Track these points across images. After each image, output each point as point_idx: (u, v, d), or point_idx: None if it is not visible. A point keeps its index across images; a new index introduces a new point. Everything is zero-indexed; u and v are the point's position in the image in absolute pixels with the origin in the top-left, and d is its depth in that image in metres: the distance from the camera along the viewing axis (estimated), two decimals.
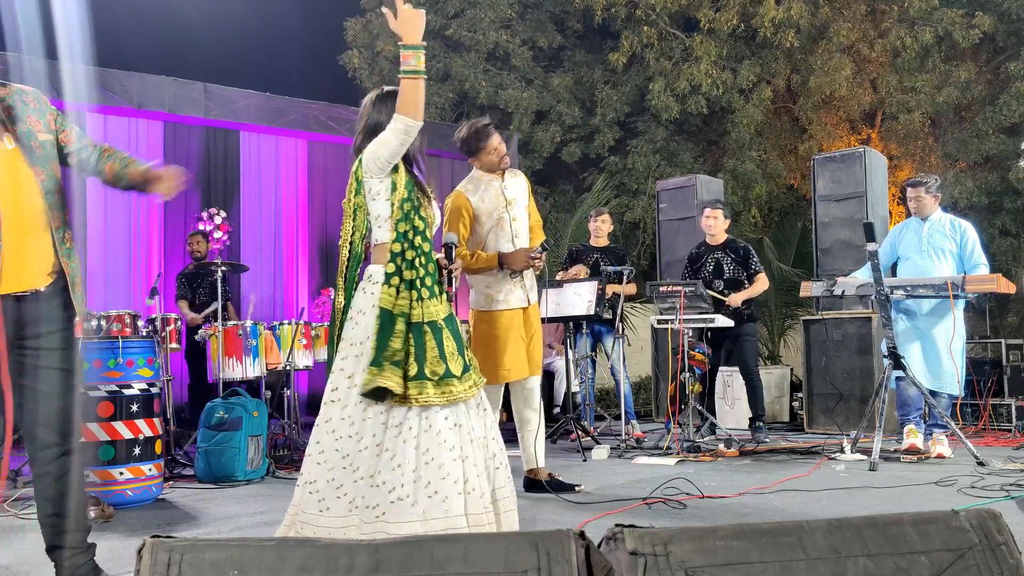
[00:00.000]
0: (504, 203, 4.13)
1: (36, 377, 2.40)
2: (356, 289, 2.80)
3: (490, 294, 4.11)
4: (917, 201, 5.36)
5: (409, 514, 2.51)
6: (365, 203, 2.80)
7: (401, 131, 2.63)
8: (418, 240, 2.73)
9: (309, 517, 2.63)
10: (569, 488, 4.16)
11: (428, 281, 2.72)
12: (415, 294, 2.68)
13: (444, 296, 2.81)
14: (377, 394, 2.56)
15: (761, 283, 6.10)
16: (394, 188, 2.74)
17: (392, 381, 2.55)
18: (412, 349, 2.63)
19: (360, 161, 2.79)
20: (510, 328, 4.08)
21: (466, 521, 2.56)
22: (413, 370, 2.61)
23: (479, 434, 2.72)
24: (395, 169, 2.75)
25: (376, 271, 2.76)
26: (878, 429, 4.93)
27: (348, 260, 2.83)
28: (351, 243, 2.83)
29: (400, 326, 2.62)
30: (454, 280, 2.90)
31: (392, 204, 2.74)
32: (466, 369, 2.73)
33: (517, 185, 4.22)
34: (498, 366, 4.03)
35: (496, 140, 4.09)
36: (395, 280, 2.66)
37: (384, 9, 2.86)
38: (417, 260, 2.71)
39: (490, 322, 4.09)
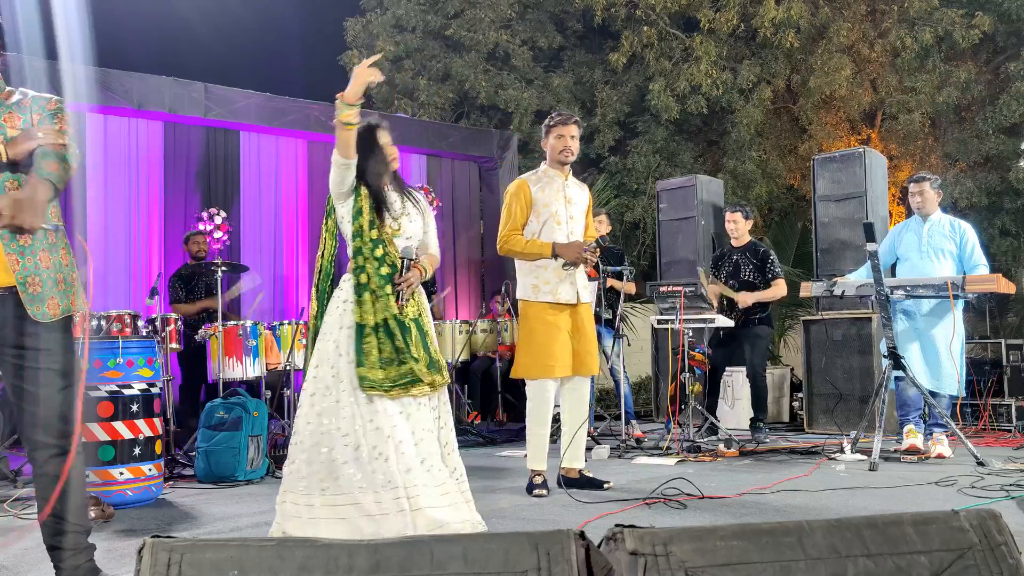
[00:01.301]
0: (564, 199, 4.22)
1: (30, 379, 2.39)
2: (330, 297, 3.23)
3: (536, 284, 4.14)
4: (921, 196, 5.35)
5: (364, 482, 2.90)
6: (335, 227, 3.29)
7: (336, 165, 3.20)
8: (379, 251, 3.14)
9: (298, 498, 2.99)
10: (599, 485, 4.24)
11: (387, 289, 3.12)
12: (373, 297, 3.10)
13: (393, 298, 3.15)
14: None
15: (778, 288, 6.07)
16: (359, 211, 3.19)
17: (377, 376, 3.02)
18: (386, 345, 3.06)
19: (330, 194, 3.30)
20: (555, 323, 4.09)
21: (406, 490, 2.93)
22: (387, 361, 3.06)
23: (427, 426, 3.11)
24: (359, 194, 3.15)
25: (344, 280, 3.18)
26: (878, 429, 4.93)
27: (319, 273, 3.31)
28: (322, 260, 3.32)
29: (369, 332, 3.05)
30: (402, 294, 3.15)
31: (353, 223, 3.19)
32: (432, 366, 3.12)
33: (579, 191, 4.37)
34: (539, 359, 4.06)
35: (570, 131, 4.22)
36: (361, 293, 3.10)
37: (354, 67, 3.39)
38: (373, 267, 3.12)
39: (534, 314, 4.12)
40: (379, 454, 2.93)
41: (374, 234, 3.17)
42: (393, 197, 3.35)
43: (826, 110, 11.99)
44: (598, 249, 4.15)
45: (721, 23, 11.61)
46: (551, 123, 4.29)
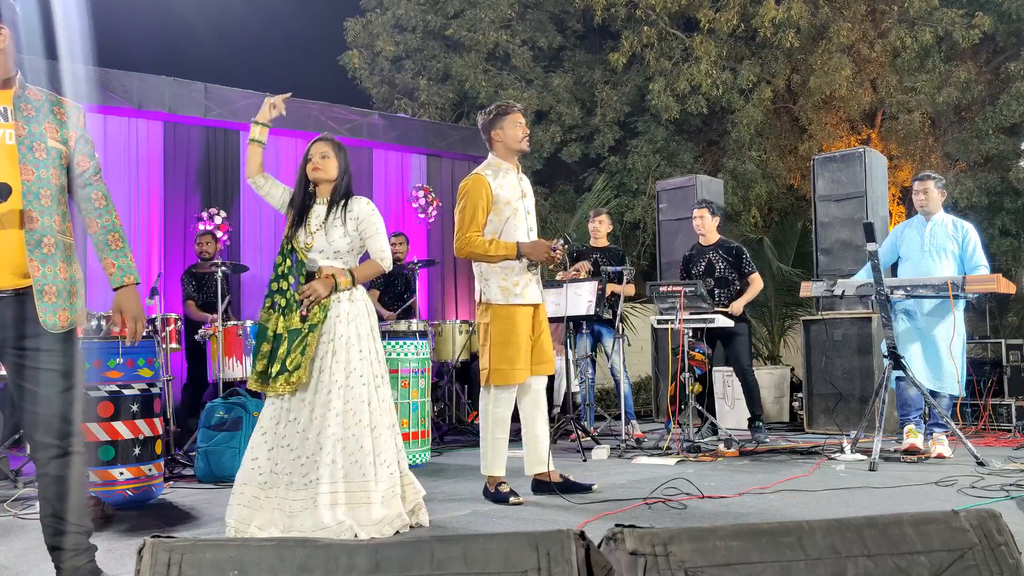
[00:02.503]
0: (520, 194, 4.08)
1: (33, 379, 2.39)
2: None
3: (506, 287, 3.96)
4: (925, 194, 5.35)
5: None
6: None
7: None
8: (286, 265, 3.47)
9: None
10: (585, 489, 4.10)
11: (281, 301, 3.42)
12: (280, 309, 3.41)
13: (296, 313, 3.40)
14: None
15: (756, 284, 6.11)
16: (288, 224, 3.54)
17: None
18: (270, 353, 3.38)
19: None
20: (525, 324, 3.97)
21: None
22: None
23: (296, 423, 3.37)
24: (288, 209, 3.61)
25: None
26: (878, 429, 4.93)
27: None
28: None
29: (265, 336, 3.40)
30: (303, 304, 3.40)
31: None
32: (282, 371, 3.33)
33: (528, 184, 4.24)
34: (514, 363, 3.91)
35: (522, 118, 4.11)
36: (267, 301, 3.47)
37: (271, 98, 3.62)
38: (281, 282, 3.46)
39: (507, 317, 3.93)
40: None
41: (287, 247, 3.51)
42: (319, 211, 3.55)
43: (826, 110, 11.99)
44: (567, 245, 4.07)
45: (721, 23, 11.61)
46: (505, 111, 4.06)
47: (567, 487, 4.09)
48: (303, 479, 3.26)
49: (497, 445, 3.98)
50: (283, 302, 3.41)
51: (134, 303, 2.54)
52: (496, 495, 3.96)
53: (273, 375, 3.31)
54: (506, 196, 3.98)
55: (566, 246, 4.05)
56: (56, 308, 2.41)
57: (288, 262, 3.48)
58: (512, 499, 3.92)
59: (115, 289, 2.54)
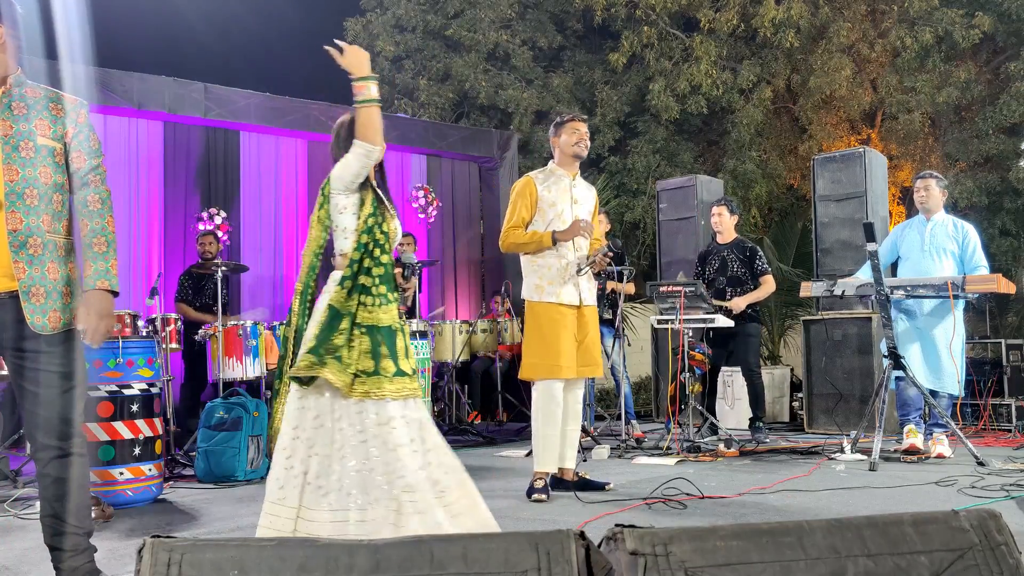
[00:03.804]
0: (570, 199, 4.20)
1: (32, 380, 2.38)
2: (318, 294, 3.05)
3: (539, 284, 4.09)
4: (926, 191, 5.36)
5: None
6: (327, 217, 3.06)
7: (363, 155, 2.96)
8: (377, 251, 3.00)
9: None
10: (599, 487, 4.17)
11: (383, 289, 2.99)
12: (367, 299, 2.95)
13: (394, 306, 3.04)
14: (309, 380, 2.85)
15: (767, 285, 6.08)
16: (362, 203, 3.03)
17: (333, 375, 2.81)
18: (355, 346, 2.88)
19: (329, 179, 3.06)
20: (560, 323, 4.04)
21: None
22: (352, 367, 2.89)
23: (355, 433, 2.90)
24: (364, 186, 3.05)
25: (338, 276, 2.98)
26: (878, 429, 4.93)
27: (307, 270, 3.09)
28: (310, 254, 3.10)
29: (345, 324, 2.89)
30: (406, 298, 2.97)
31: (359, 218, 3.03)
32: (399, 374, 2.95)
33: (586, 192, 4.36)
34: (546, 359, 4.00)
35: (583, 126, 4.33)
36: (348, 283, 2.94)
37: (328, 47, 3.07)
38: (374, 269, 2.99)
39: (537, 313, 4.07)
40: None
41: (378, 234, 3.03)
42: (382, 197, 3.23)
43: (826, 110, 11.99)
44: (610, 252, 4.13)
45: (721, 23, 11.61)
46: (564, 119, 4.32)
47: (582, 485, 4.19)
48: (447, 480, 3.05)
49: (544, 441, 4.07)
50: (370, 298, 3.00)
51: (99, 303, 2.41)
52: (529, 488, 4.08)
53: (391, 375, 2.90)
54: (551, 198, 4.15)
55: (610, 252, 4.14)
56: (45, 309, 2.38)
57: (386, 247, 3.05)
58: (535, 495, 4.00)
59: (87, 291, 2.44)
